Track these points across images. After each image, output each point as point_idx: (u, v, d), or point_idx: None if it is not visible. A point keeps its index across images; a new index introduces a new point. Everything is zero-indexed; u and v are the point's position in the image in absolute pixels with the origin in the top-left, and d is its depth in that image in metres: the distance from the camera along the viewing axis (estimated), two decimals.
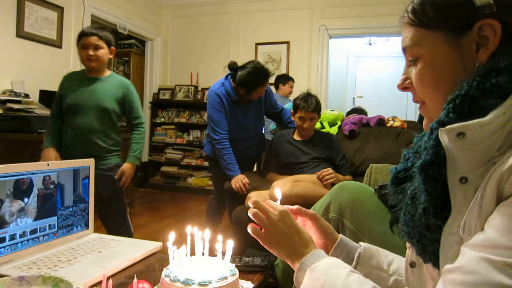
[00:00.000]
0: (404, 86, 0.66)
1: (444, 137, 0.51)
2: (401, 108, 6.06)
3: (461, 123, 0.49)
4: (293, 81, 4.44)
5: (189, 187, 5.18)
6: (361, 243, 0.85)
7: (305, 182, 2.20)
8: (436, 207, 0.53)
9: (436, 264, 0.56)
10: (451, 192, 0.52)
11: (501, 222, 0.44)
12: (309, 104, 2.41)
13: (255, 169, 3.25)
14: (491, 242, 0.45)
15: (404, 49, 0.64)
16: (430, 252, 0.57)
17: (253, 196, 2.18)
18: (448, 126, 0.50)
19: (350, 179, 2.37)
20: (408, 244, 0.70)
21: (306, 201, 2.05)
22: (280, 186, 2.07)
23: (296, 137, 2.56)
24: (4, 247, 0.97)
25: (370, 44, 6.43)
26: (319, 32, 4.94)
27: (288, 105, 2.98)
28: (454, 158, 0.51)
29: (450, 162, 0.51)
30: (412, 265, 0.69)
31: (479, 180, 0.50)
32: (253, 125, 2.66)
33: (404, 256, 0.73)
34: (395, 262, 0.82)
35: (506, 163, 0.46)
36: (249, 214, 0.79)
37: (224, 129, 2.48)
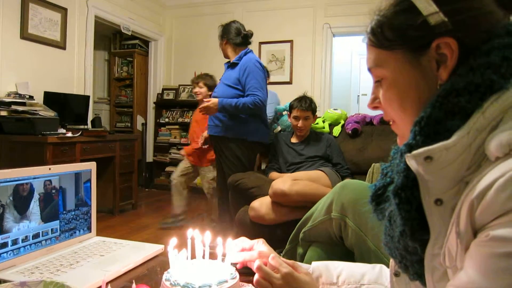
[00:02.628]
0: (374, 105, 0.66)
1: (412, 162, 0.51)
2: None
3: (427, 148, 0.50)
4: None
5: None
6: (313, 263, 0.88)
7: (304, 180, 2.21)
8: (412, 230, 0.54)
9: (423, 283, 0.57)
10: (427, 215, 0.52)
11: (483, 264, 0.44)
12: (303, 103, 2.54)
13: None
14: (474, 285, 0.44)
15: (370, 70, 0.65)
16: (413, 272, 0.58)
17: (256, 206, 2.17)
18: (414, 152, 0.51)
19: None
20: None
21: (306, 199, 2.08)
22: (280, 184, 2.11)
23: (292, 139, 2.67)
24: (7, 252, 0.97)
25: None
26: (323, 31, 4.92)
27: (285, 106, 3.00)
28: (425, 181, 0.51)
29: (422, 185, 0.52)
30: (396, 274, 0.68)
31: (454, 200, 0.50)
32: None
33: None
34: (344, 272, 0.84)
35: (475, 190, 0.46)
36: (254, 284, 0.79)
37: None
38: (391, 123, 0.65)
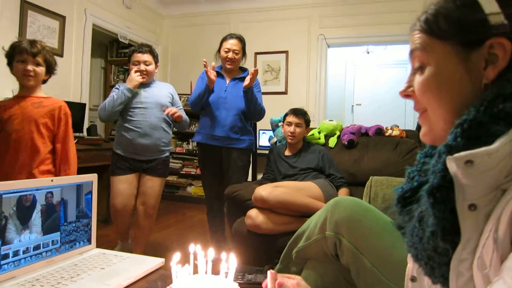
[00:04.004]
0: (407, 93, 0.67)
1: (452, 164, 0.52)
2: (400, 117, 6.09)
3: (469, 152, 0.50)
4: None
5: (188, 196, 5.18)
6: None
7: (285, 187, 2.26)
8: (444, 231, 0.54)
9: (446, 287, 0.57)
10: (460, 219, 0.52)
11: None
12: (297, 111, 2.65)
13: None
14: None
15: (412, 52, 0.65)
16: (439, 274, 0.58)
17: (252, 215, 2.19)
18: (456, 154, 0.51)
19: (347, 192, 2.42)
20: (409, 259, 0.71)
21: (284, 206, 2.16)
22: (260, 190, 2.19)
23: (286, 152, 2.71)
24: (8, 263, 0.97)
25: (368, 53, 6.47)
26: (318, 41, 4.98)
27: (280, 117, 3.04)
28: (462, 185, 0.51)
29: (458, 188, 0.52)
30: (413, 279, 0.69)
31: (488, 206, 0.50)
32: None
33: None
34: None
35: None
36: None
37: None
38: (419, 113, 0.65)
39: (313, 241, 1.15)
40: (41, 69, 1.99)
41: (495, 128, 0.50)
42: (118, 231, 2.71)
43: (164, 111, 2.53)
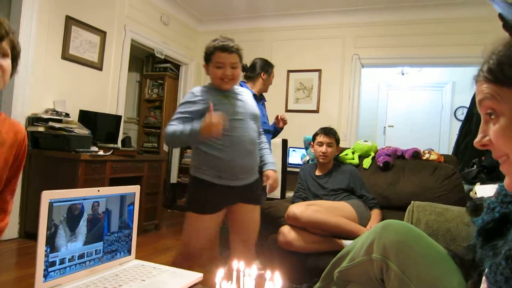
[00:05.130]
0: (483, 143, 0.65)
1: None
2: (434, 140, 5.95)
3: None
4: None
5: None
6: None
7: (319, 206, 2.23)
8: None
9: None
10: None
11: None
12: (327, 130, 2.62)
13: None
14: None
15: (481, 102, 0.64)
16: None
17: (285, 231, 2.18)
18: None
19: (379, 214, 2.38)
20: (486, 286, 0.67)
21: (316, 225, 2.14)
22: (294, 207, 2.20)
23: (317, 172, 2.68)
24: (54, 270, 0.99)
25: (403, 74, 6.39)
26: (352, 61, 4.96)
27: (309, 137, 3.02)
28: None
29: None
30: None
31: None
32: None
33: None
34: None
35: None
36: None
37: None
38: (502, 160, 0.63)
39: (357, 262, 1.12)
40: (8, 63, 1.12)
41: None
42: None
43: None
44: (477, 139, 0.66)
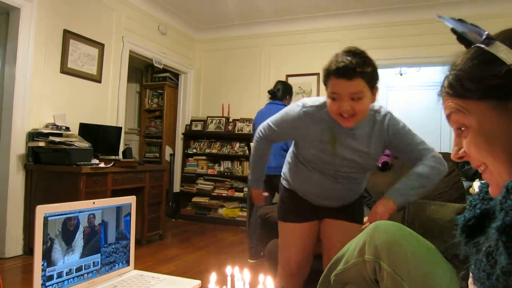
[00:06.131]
0: (459, 156, 0.67)
1: None
2: (435, 140, 5.93)
3: None
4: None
5: (220, 218, 5.19)
6: None
7: None
8: None
9: None
10: None
11: None
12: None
13: None
14: None
15: (449, 117, 0.66)
16: None
17: None
18: None
19: None
20: (471, 281, 0.68)
21: None
22: None
23: None
24: (52, 284, 1.00)
25: (401, 75, 6.39)
26: None
27: None
28: None
29: None
30: None
31: None
32: None
33: None
34: None
35: None
36: None
37: None
38: (481, 169, 0.65)
39: (351, 264, 1.12)
40: None
41: None
42: None
43: None
44: (453, 153, 0.68)
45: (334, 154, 1.55)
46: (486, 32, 0.60)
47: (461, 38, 0.64)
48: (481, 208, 0.67)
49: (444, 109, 0.66)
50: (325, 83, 1.48)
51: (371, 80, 1.39)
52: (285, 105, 3.74)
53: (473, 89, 0.60)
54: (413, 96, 6.42)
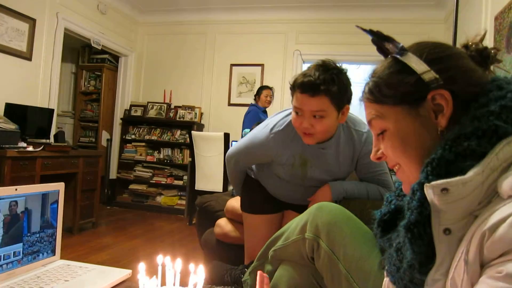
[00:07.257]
0: (378, 156, 0.72)
1: (429, 191, 0.56)
2: None
3: (446, 180, 0.54)
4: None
5: (158, 206, 5.09)
6: None
7: None
8: (421, 265, 0.58)
9: None
10: (436, 243, 0.56)
11: None
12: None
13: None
14: None
15: (370, 122, 0.71)
16: None
17: (222, 223, 2.17)
18: (433, 182, 0.55)
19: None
20: (385, 274, 0.73)
21: None
22: (234, 201, 2.12)
23: None
24: None
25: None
26: (293, 57, 5.05)
27: None
28: (438, 211, 0.56)
29: (434, 214, 0.56)
30: None
31: (462, 231, 0.55)
32: None
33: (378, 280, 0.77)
34: None
35: (487, 222, 0.50)
36: None
37: None
38: (396, 169, 0.70)
39: (291, 241, 1.16)
40: None
41: (464, 164, 0.55)
42: None
43: None
44: (372, 154, 0.74)
45: (304, 177, 1.56)
46: (401, 44, 0.67)
47: (380, 48, 0.71)
48: (395, 204, 0.73)
49: (366, 115, 0.72)
50: (292, 95, 1.43)
51: (338, 99, 1.33)
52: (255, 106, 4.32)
53: (389, 95, 0.66)
54: (353, 91, 6.67)
